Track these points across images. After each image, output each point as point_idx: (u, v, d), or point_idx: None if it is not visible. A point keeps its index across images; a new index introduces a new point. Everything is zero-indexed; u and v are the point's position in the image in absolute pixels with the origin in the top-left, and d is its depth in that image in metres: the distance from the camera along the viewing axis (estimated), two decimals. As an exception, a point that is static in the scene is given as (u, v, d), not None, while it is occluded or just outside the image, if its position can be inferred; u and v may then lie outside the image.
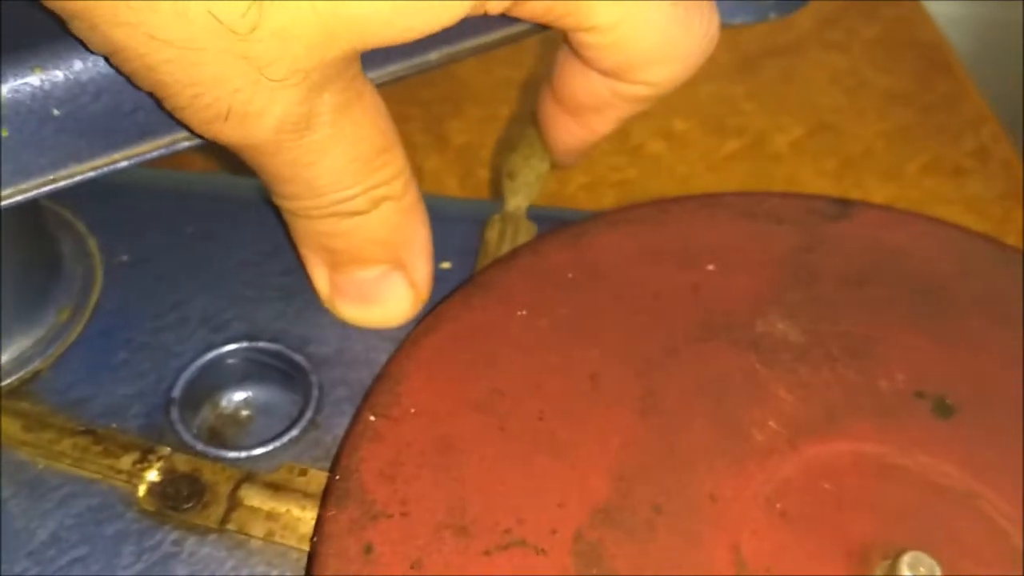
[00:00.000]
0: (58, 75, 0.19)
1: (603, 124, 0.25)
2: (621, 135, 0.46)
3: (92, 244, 0.26)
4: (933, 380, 0.23)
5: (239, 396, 0.25)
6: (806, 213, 0.26)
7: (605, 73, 0.23)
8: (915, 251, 0.26)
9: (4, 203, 0.20)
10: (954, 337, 0.24)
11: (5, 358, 0.24)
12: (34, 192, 0.20)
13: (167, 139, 0.21)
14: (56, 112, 0.20)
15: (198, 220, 0.27)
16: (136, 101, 0.20)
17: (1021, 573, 0.21)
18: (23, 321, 0.24)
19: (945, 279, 0.25)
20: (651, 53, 0.22)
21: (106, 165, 0.21)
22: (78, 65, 0.19)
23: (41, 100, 0.19)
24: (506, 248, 0.28)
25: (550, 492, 0.20)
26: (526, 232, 0.28)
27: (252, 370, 0.25)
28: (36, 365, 0.24)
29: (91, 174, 0.21)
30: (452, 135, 0.43)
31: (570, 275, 0.25)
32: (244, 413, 0.25)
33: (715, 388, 0.23)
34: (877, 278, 0.25)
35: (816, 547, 0.20)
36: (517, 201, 0.29)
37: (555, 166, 0.29)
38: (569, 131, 0.26)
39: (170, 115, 0.20)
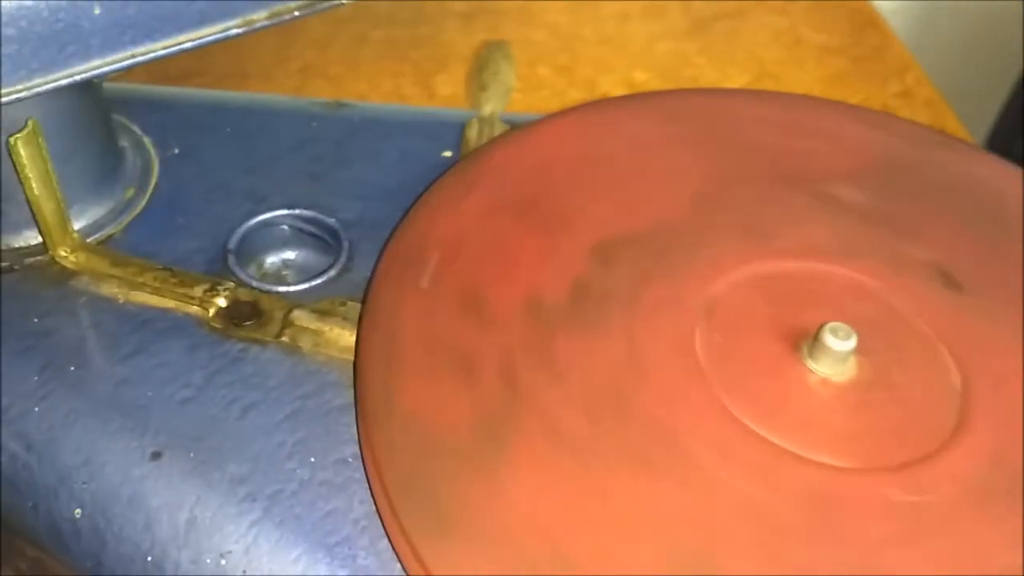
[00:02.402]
0: (141, -35, 0.24)
1: None
2: (589, 85, 0.51)
3: (147, 141, 0.31)
4: (955, 264, 0.28)
5: (281, 257, 0.30)
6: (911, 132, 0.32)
7: None
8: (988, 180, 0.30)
9: (94, 72, 0.25)
10: (996, 248, 0.28)
11: (83, 223, 0.28)
12: (118, 64, 0.25)
13: (221, 26, 0.26)
14: (139, -5, 0.24)
15: (234, 123, 0.32)
16: (200, -7, 0.25)
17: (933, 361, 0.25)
18: (96, 195, 0.29)
19: (1008, 208, 0.30)
20: None
21: (175, 45, 0.26)
22: (157, -43, 0.24)
23: (128, -16, 0.24)
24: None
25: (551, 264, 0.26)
26: (500, 131, 0.33)
27: (291, 237, 0.30)
28: (110, 230, 0.28)
29: (163, 52, 0.26)
30: (439, 87, 0.49)
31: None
32: (284, 273, 0.30)
33: (754, 212, 0.28)
34: (950, 193, 0.30)
35: (764, 324, 0.25)
36: (491, 107, 0.34)
37: None
38: None
39: None
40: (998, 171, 0.31)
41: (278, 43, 0.49)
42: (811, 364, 0.25)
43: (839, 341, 0.25)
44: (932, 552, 0.22)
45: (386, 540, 0.22)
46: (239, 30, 0.27)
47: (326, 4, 0.28)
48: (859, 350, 0.25)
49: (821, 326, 0.25)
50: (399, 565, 0.21)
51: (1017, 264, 0.28)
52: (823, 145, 0.31)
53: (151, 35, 0.25)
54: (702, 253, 0.27)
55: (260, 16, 0.27)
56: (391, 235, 0.27)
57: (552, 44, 0.52)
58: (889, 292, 0.27)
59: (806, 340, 0.26)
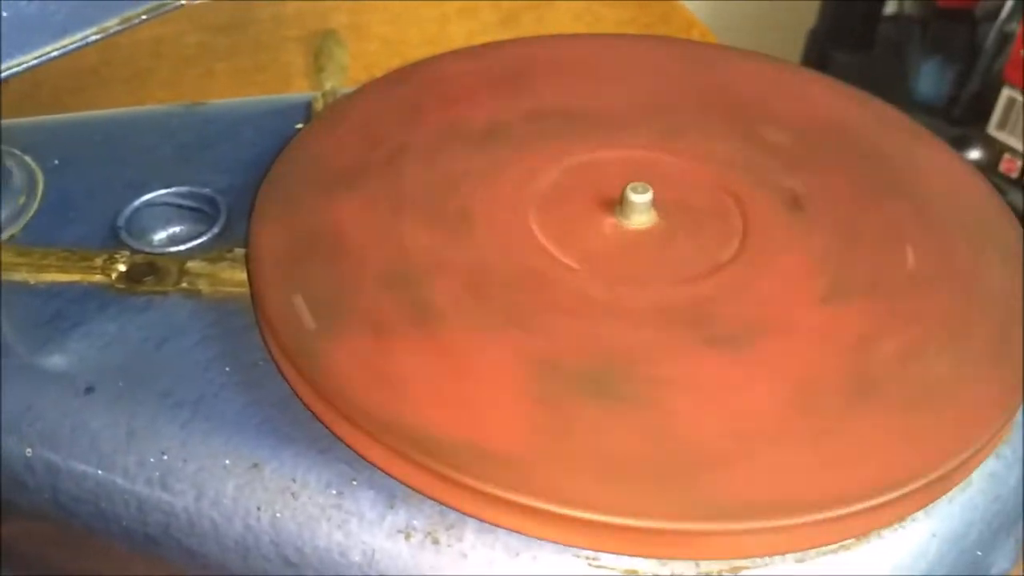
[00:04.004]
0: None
1: None
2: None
3: (28, 159, 0.35)
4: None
5: (167, 233, 0.34)
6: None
7: None
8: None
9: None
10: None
11: (-15, 229, 0.32)
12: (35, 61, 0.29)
13: (80, 35, 0.30)
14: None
15: (102, 132, 0.36)
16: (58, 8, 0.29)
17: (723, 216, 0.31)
18: (-8, 205, 0.32)
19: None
20: None
21: (42, 56, 0.30)
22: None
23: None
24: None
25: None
26: None
27: (173, 214, 0.34)
28: (10, 231, 0.32)
29: (34, 62, 0.30)
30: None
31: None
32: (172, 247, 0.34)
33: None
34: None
35: (585, 197, 0.31)
36: (331, 84, 0.39)
37: None
38: None
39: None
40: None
41: (130, 87, 0.53)
42: (620, 218, 0.31)
43: (638, 195, 0.31)
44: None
45: (304, 411, 0.26)
46: (97, 36, 0.31)
47: (170, 6, 0.32)
48: (660, 206, 0.31)
49: (625, 186, 0.31)
50: (320, 424, 0.26)
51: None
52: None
53: (20, 48, 0.29)
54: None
55: (113, 23, 0.31)
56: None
57: (383, 51, 0.57)
58: (688, 166, 0.33)
59: (616, 201, 0.32)
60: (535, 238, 0.30)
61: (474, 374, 0.26)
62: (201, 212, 0.34)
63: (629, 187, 0.31)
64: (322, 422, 0.26)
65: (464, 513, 0.24)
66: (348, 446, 0.25)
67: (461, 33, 0.60)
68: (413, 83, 0.36)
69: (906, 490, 0.24)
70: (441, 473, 0.24)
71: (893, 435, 0.25)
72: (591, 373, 0.26)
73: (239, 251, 0.31)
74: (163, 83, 0.54)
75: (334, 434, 0.26)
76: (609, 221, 0.31)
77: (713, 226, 0.31)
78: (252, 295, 0.29)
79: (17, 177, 0.34)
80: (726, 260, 0.30)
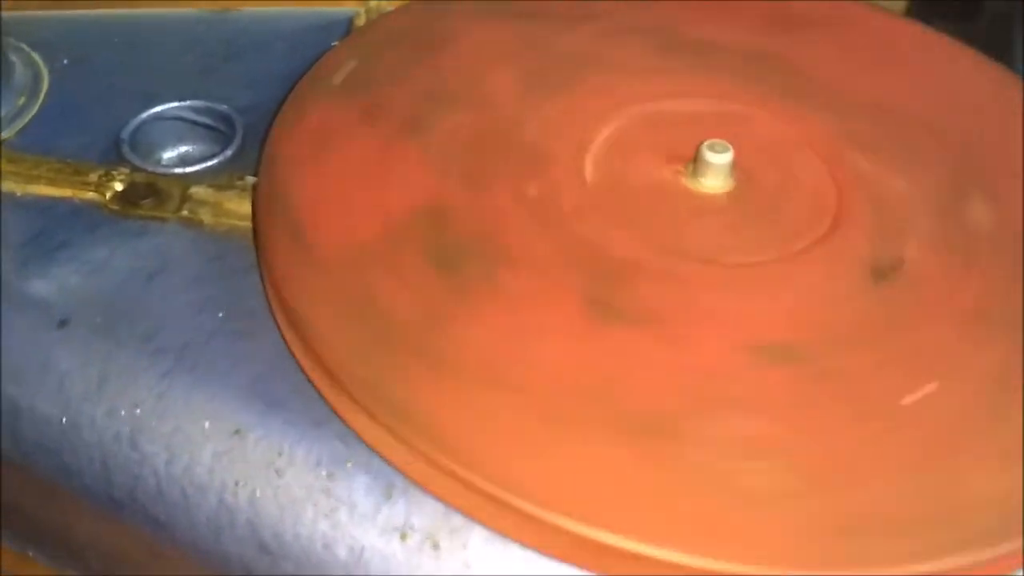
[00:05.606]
0: None
1: None
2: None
3: (35, 56, 0.31)
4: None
5: (177, 151, 0.30)
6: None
7: None
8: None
9: None
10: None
11: (-23, 130, 0.28)
12: None
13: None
14: None
15: (121, 34, 0.32)
16: None
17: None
18: (-13, 105, 0.29)
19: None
20: None
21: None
22: None
23: None
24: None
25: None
26: None
27: (186, 131, 0.30)
28: (4, 135, 0.29)
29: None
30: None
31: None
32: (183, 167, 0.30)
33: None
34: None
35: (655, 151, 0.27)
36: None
37: None
38: None
39: None
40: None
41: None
42: (694, 181, 0.26)
43: (717, 155, 0.26)
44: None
45: (300, 373, 0.23)
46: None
47: None
48: (740, 165, 0.26)
49: (700, 144, 0.26)
50: (313, 390, 0.22)
51: (897, 92, 0.30)
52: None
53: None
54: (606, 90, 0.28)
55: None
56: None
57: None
58: (770, 118, 0.28)
59: (690, 161, 0.27)
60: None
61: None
62: (216, 131, 0.30)
63: (706, 144, 0.26)
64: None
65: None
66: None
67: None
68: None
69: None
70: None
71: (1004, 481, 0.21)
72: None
73: (250, 179, 0.27)
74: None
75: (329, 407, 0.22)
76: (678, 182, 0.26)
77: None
78: (254, 231, 0.25)
79: (20, 74, 0.30)
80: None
